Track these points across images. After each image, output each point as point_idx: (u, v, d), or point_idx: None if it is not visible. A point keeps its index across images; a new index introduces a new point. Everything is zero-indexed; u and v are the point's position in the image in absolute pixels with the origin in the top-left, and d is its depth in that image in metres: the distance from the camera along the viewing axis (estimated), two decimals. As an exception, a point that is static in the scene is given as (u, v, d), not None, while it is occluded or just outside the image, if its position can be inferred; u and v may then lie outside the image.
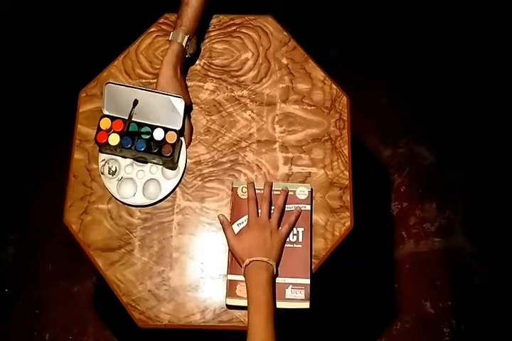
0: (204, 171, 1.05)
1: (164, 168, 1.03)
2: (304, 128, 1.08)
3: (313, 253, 0.99)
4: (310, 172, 1.04)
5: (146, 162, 1.04)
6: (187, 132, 1.05)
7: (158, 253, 1.00)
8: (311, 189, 1.01)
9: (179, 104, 1.00)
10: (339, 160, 1.05)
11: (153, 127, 1.01)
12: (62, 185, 1.07)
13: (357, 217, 1.02)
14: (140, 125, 1.01)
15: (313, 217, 1.01)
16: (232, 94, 1.10)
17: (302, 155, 1.06)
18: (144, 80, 1.11)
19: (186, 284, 0.98)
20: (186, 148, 1.05)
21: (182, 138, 1.04)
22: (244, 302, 0.91)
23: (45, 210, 1.69)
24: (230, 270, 0.96)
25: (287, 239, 0.97)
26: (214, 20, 1.16)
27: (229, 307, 0.95)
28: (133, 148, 0.99)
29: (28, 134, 1.82)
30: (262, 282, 0.89)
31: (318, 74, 1.11)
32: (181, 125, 1.01)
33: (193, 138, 1.07)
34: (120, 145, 0.99)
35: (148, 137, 1.00)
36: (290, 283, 0.94)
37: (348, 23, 1.95)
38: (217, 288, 0.97)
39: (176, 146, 1.00)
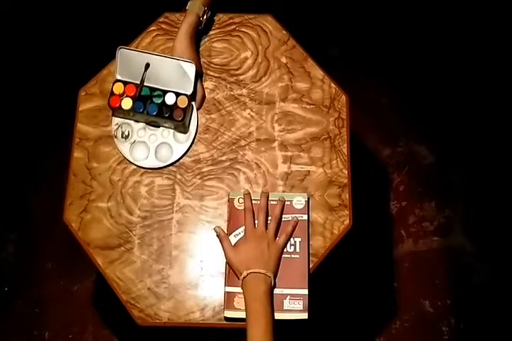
0: (203, 169, 1.05)
1: (176, 132, 1.06)
2: (303, 126, 1.08)
3: (311, 251, 0.99)
4: (309, 171, 1.05)
5: (158, 126, 1.06)
6: (199, 97, 1.07)
7: (157, 252, 1.00)
8: (308, 198, 1.01)
9: (190, 69, 1.02)
10: (338, 159, 1.05)
11: (164, 92, 1.03)
12: (62, 184, 1.07)
13: (356, 216, 1.02)
14: (152, 89, 1.03)
15: (313, 215, 1.01)
16: (232, 92, 1.11)
17: (301, 153, 1.06)
18: (143, 79, 1.11)
19: (186, 282, 0.98)
20: (197, 112, 1.07)
21: (193, 103, 1.06)
22: (242, 314, 0.90)
23: (45, 209, 1.70)
24: (228, 282, 0.95)
25: (285, 250, 0.97)
26: (213, 19, 1.16)
27: (227, 319, 0.94)
28: (145, 112, 1.01)
29: (27, 133, 1.82)
30: (260, 294, 0.89)
31: (318, 73, 1.11)
32: (192, 90, 1.03)
33: (192, 136, 1.07)
34: (133, 109, 1.02)
35: (160, 101, 1.02)
36: (288, 294, 0.94)
37: (348, 22, 1.95)
38: (216, 286, 0.97)
39: (187, 111, 1.02)
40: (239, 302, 0.93)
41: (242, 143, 1.07)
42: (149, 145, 1.06)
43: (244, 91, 1.10)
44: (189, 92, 1.03)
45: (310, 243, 0.99)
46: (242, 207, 0.99)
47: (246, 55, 1.13)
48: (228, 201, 1.01)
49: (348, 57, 1.91)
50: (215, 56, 1.13)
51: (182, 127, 1.04)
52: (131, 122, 1.07)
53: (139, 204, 1.03)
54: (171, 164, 1.05)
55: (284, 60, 1.12)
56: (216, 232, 0.98)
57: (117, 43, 1.14)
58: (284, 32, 1.14)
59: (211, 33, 1.15)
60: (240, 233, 0.98)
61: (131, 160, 1.05)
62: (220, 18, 1.16)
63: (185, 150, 1.05)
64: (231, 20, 1.16)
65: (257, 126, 1.08)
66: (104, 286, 1.01)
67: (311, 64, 1.12)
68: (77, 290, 1.62)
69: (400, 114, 1.84)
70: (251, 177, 1.05)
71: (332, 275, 1.50)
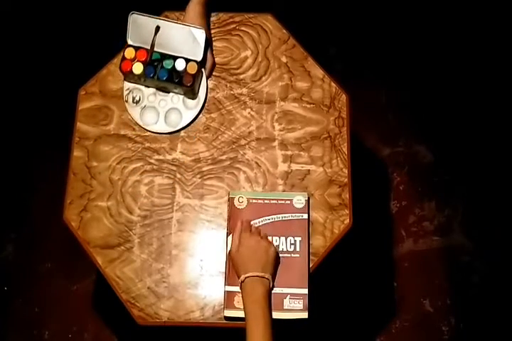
0: (203, 169, 1.05)
1: (185, 98, 1.08)
2: (303, 126, 1.08)
3: (311, 251, 0.99)
4: (309, 170, 1.05)
5: (168, 92, 1.09)
6: (209, 65, 1.08)
7: (157, 251, 1.00)
8: (308, 198, 1.01)
9: (200, 35, 1.03)
10: (338, 158, 1.05)
11: (175, 58, 1.05)
12: (62, 183, 1.07)
13: (356, 215, 1.02)
14: (163, 55, 1.05)
15: (313, 214, 1.01)
16: (232, 92, 1.10)
17: (301, 152, 1.06)
18: (143, 78, 1.11)
19: (186, 281, 0.98)
20: (207, 80, 1.09)
21: (203, 70, 1.08)
22: (242, 314, 0.90)
23: (45, 208, 1.69)
24: (228, 281, 0.95)
25: (285, 249, 0.97)
26: (213, 18, 1.16)
27: (227, 318, 0.94)
28: (155, 77, 1.04)
29: (27, 132, 1.82)
30: (258, 297, 0.89)
31: (318, 72, 1.11)
32: (202, 56, 1.05)
33: (192, 135, 1.07)
34: (143, 74, 1.04)
35: (170, 67, 1.04)
36: (288, 293, 0.94)
37: (348, 22, 1.95)
38: (216, 285, 0.97)
39: (196, 77, 1.05)
40: (239, 301, 0.93)
41: (242, 142, 1.07)
42: (159, 110, 1.08)
43: (245, 90, 1.10)
44: (199, 59, 1.05)
45: (310, 242, 0.99)
46: (242, 207, 0.99)
47: (246, 54, 1.13)
48: (228, 200, 1.01)
49: (348, 56, 1.91)
50: (215, 55, 1.13)
51: (191, 93, 1.06)
52: (142, 87, 1.09)
53: (138, 203, 1.03)
54: (180, 130, 1.07)
55: (284, 59, 1.12)
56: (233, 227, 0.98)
57: (117, 43, 1.15)
58: (284, 31, 1.14)
59: (211, 32, 1.14)
60: None
61: (141, 125, 1.07)
62: (220, 17, 1.16)
63: (194, 116, 1.07)
64: (231, 20, 1.16)
65: (257, 125, 1.08)
66: (104, 285, 1.01)
67: (311, 63, 1.12)
68: (77, 290, 1.62)
69: (399, 113, 1.84)
70: (251, 177, 1.05)
71: (332, 275, 1.50)
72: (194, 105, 1.08)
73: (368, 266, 1.66)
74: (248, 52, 1.13)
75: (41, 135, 1.81)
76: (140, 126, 1.07)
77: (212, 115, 1.09)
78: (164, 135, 1.08)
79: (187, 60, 1.05)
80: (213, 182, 1.04)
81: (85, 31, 1.93)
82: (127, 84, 1.09)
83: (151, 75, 1.04)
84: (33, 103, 1.85)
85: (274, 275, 0.94)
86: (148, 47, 1.04)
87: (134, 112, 1.08)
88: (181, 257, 1.00)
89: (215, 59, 1.12)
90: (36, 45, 1.93)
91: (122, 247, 1.00)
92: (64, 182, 1.06)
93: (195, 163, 1.06)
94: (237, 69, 1.12)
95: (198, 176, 1.05)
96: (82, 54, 1.88)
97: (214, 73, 1.11)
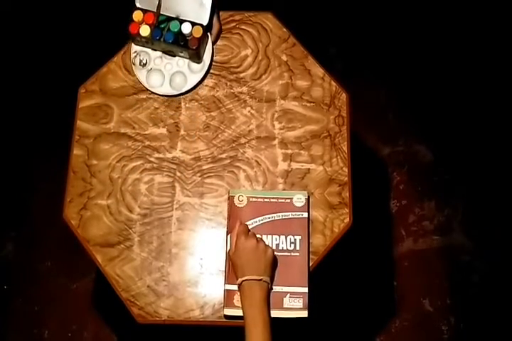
0: (203, 167, 1.05)
1: (191, 62, 1.10)
2: (304, 124, 1.08)
3: (311, 249, 0.99)
4: (309, 169, 1.05)
5: (174, 55, 1.11)
6: (215, 31, 1.10)
7: (157, 249, 1.00)
8: (308, 196, 1.01)
9: (207, 0, 1.05)
10: (338, 157, 1.05)
11: (181, 21, 1.06)
12: (62, 182, 1.07)
13: (356, 215, 1.02)
14: (169, 18, 1.07)
15: (313, 213, 1.01)
16: (232, 90, 1.10)
17: (301, 151, 1.06)
18: (143, 76, 1.11)
19: (185, 280, 0.98)
20: (213, 45, 1.11)
21: (209, 35, 1.09)
22: (241, 312, 0.90)
23: (45, 207, 1.69)
24: (228, 280, 0.95)
25: (285, 248, 0.97)
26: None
27: (227, 317, 0.94)
28: (162, 39, 1.06)
29: (27, 130, 1.82)
30: (256, 301, 0.88)
31: (318, 70, 1.11)
32: (208, 20, 1.06)
33: (192, 134, 1.07)
34: (150, 36, 1.06)
35: (176, 30, 1.06)
36: (288, 292, 0.94)
37: (348, 21, 1.95)
38: (216, 283, 0.97)
39: (201, 40, 1.07)
40: (238, 300, 0.92)
41: (242, 140, 1.07)
42: (165, 73, 1.10)
43: (245, 89, 1.10)
44: (205, 23, 1.06)
45: (310, 241, 0.99)
46: (242, 205, 0.99)
47: (246, 52, 1.13)
48: (228, 199, 1.01)
49: (348, 55, 1.91)
50: (215, 54, 1.13)
51: (196, 57, 1.08)
52: (149, 51, 1.11)
53: (138, 201, 1.03)
54: (184, 93, 1.09)
55: (284, 57, 1.12)
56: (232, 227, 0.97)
57: (117, 41, 1.15)
58: (285, 30, 1.14)
59: (211, 30, 1.15)
60: None
61: (147, 87, 1.09)
62: (220, 15, 1.16)
63: (198, 80, 1.09)
64: (231, 18, 1.16)
65: (257, 123, 1.08)
66: (103, 284, 1.01)
67: (312, 62, 1.12)
68: (77, 288, 1.62)
69: (399, 112, 1.84)
70: (251, 175, 1.04)
71: (332, 274, 1.50)
72: (199, 69, 1.10)
73: (368, 265, 1.66)
74: (248, 51, 1.13)
75: (41, 133, 1.81)
76: (146, 88, 1.10)
77: (212, 113, 1.09)
78: (164, 133, 1.08)
79: (193, 24, 1.06)
80: (213, 180, 1.04)
81: (85, 30, 1.93)
82: (135, 47, 1.12)
83: (158, 38, 1.06)
84: (33, 101, 1.85)
85: (272, 277, 0.94)
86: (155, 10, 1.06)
87: (141, 75, 1.10)
88: (181, 255, 1.00)
89: (215, 57, 1.12)
90: (36, 44, 1.93)
91: (122, 245, 1.00)
92: (64, 181, 1.05)
93: (195, 162, 1.06)
94: (237, 67, 1.12)
95: (198, 174, 1.05)
96: (82, 52, 1.88)
97: (214, 72, 1.11)
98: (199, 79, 1.09)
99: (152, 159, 1.06)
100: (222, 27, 1.14)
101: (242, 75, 1.11)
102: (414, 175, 1.76)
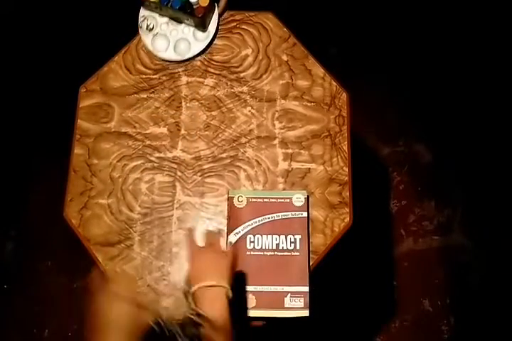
0: (204, 167, 1.05)
1: (196, 30, 1.13)
2: (304, 124, 1.08)
3: (311, 249, 0.99)
4: (309, 169, 1.05)
5: (180, 22, 1.14)
6: (222, 3, 1.13)
7: (157, 248, 1.00)
8: (307, 196, 1.01)
9: None
10: (338, 157, 1.05)
11: None
12: (62, 181, 1.07)
13: (356, 214, 1.02)
14: None
15: (313, 212, 1.01)
16: (232, 90, 1.10)
17: (302, 151, 1.06)
18: (144, 76, 1.11)
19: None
20: (219, 17, 1.13)
21: (216, 6, 1.12)
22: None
23: (45, 206, 1.69)
24: None
25: (285, 247, 0.97)
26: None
27: None
28: (169, 5, 1.09)
29: (28, 130, 1.82)
30: (221, 311, 0.75)
31: (318, 70, 1.11)
32: None
33: (192, 133, 1.07)
34: (159, 1, 1.09)
35: None
36: (289, 292, 0.94)
37: (348, 20, 1.95)
38: (216, 282, 0.97)
39: (207, 10, 1.09)
40: None
41: (243, 140, 1.07)
42: (170, 38, 1.13)
43: (245, 88, 1.10)
44: None
45: (310, 240, 0.99)
46: (242, 206, 0.99)
47: (247, 52, 1.13)
48: (228, 200, 1.01)
49: (348, 55, 1.91)
50: (215, 53, 1.13)
51: (201, 26, 1.11)
52: (157, 16, 1.14)
53: (139, 201, 1.03)
54: (187, 60, 1.11)
55: (284, 57, 1.12)
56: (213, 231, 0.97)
57: (117, 41, 1.15)
58: (285, 29, 1.14)
59: (212, 30, 1.15)
60: (239, 231, 0.98)
61: (152, 50, 1.12)
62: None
63: (202, 48, 1.12)
64: (232, 18, 1.16)
65: (258, 123, 1.08)
66: (104, 283, 1.01)
67: (312, 62, 1.12)
68: (77, 288, 1.62)
69: (399, 113, 1.84)
70: (251, 175, 1.05)
71: (332, 274, 1.50)
72: (203, 38, 1.12)
73: (368, 265, 1.66)
74: (249, 51, 1.13)
75: (42, 132, 1.81)
76: (150, 51, 1.12)
77: (213, 113, 1.09)
78: (165, 133, 1.08)
79: None
80: (214, 180, 1.04)
81: (86, 29, 1.93)
82: (143, 12, 1.15)
83: (166, 3, 1.09)
84: (34, 101, 1.86)
85: (233, 285, 0.81)
86: None
87: (146, 38, 1.13)
88: (182, 255, 1.00)
89: (216, 57, 1.12)
90: (37, 44, 1.93)
91: (123, 245, 1.00)
92: (64, 180, 1.05)
93: (196, 161, 1.06)
94: (238, 67, 1.12)
95: (199, 174, 1.05)
96: (83, 51, 1.88)
97: (215, 71, 1.12)
98: (203, 47, 1.12)
99: (153, 158, 1.06)
100: (223, 27, 1.15)
101: (242, 75, 1.11)
102: (414, 175, 1.76)
